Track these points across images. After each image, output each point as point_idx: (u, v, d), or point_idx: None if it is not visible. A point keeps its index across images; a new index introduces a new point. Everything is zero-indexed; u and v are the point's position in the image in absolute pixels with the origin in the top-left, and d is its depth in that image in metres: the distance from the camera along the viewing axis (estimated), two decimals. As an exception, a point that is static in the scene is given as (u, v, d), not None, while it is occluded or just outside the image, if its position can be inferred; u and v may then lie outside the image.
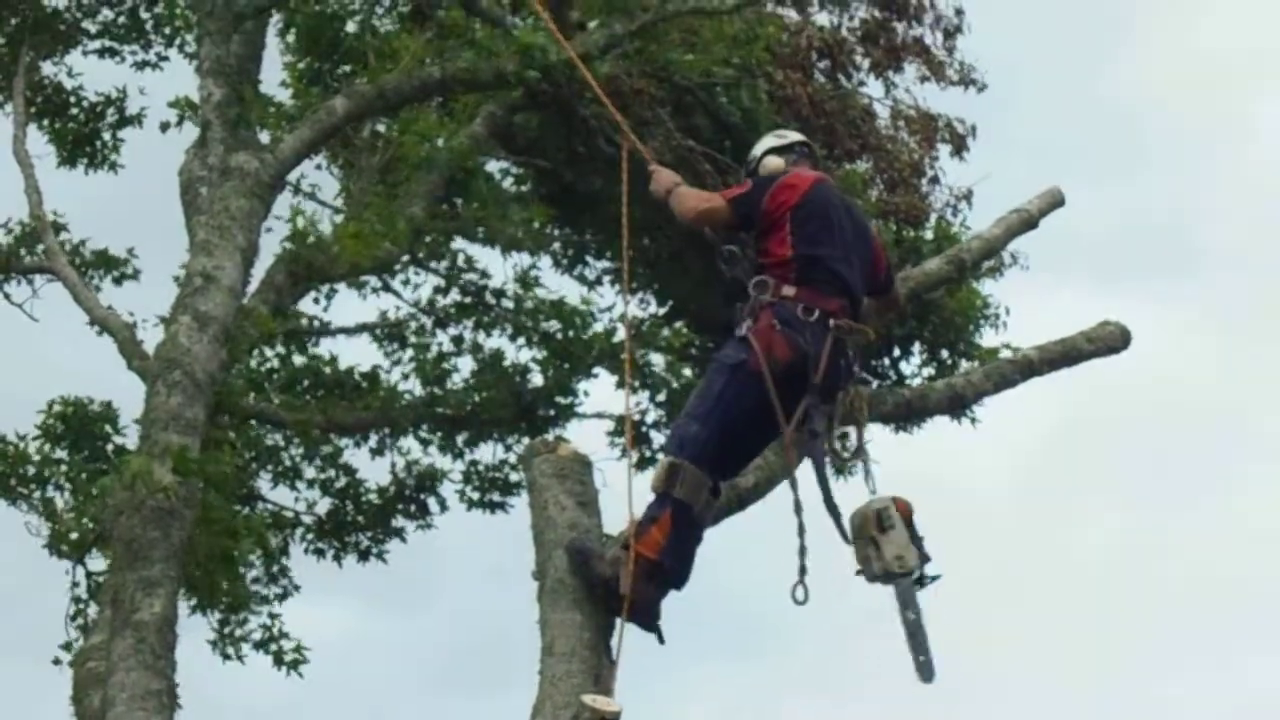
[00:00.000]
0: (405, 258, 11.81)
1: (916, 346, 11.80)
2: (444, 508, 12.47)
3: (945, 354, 11.79)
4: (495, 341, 12.45)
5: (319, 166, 12.37)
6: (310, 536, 12.37)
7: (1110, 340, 10.18)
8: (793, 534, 6.43)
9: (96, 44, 13.28)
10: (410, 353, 12.52)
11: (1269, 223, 30.26)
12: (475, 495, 12.46)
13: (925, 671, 6.05)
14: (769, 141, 7.53)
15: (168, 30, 13.24)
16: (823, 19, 12.69)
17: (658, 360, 12.14)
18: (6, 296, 12.42)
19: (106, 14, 13.25)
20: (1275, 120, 32.53)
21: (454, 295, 12.57)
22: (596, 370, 12.13)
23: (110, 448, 11.62)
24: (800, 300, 6.65)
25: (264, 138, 10.81)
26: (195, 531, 8.33)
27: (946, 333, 11.63)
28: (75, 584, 10.20)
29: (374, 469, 12.51)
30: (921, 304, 11.03)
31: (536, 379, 12.14)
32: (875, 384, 10.94)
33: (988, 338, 11.72)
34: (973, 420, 11.15)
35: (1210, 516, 27.27)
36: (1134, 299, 28.46)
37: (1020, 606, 23.59)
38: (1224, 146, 33.45)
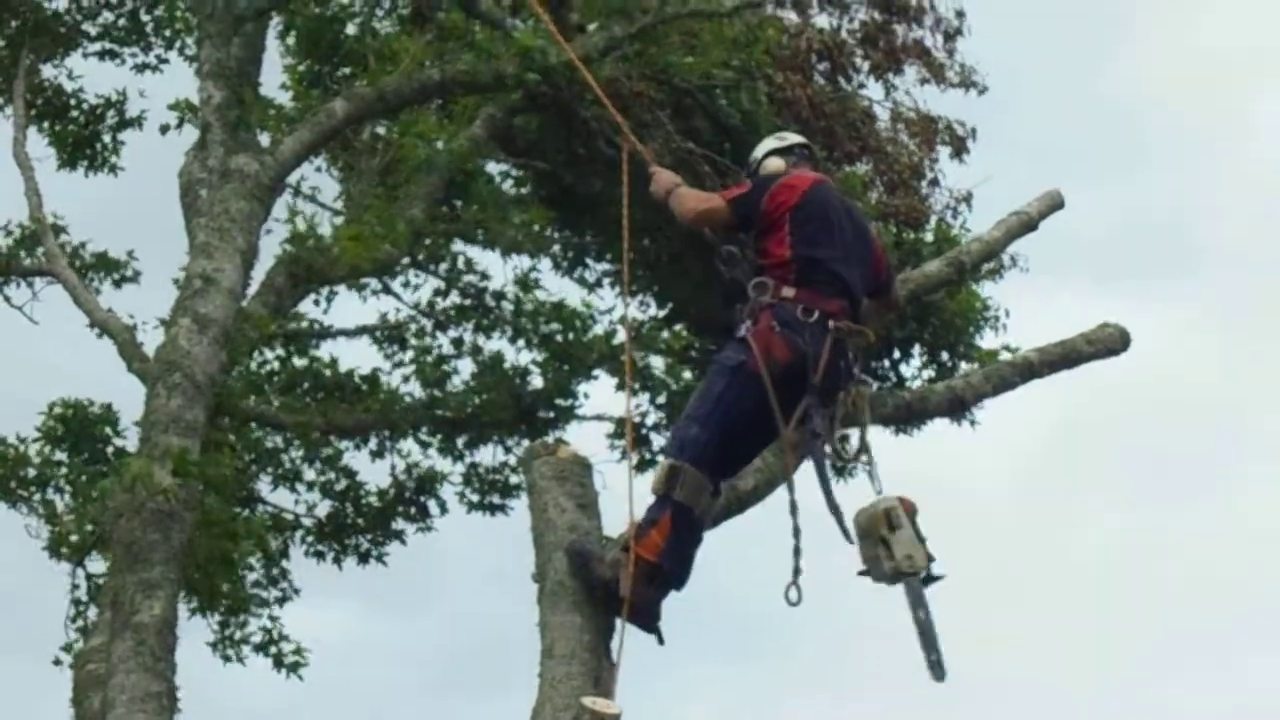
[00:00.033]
0: (405, 260, 11.81)
1: (916, 349, 11.80)
2: (444, 510, 12.48)
3: (945, 356, 11.79)
4: (495, 344, 12.48)
5: (319, 169, 12.40)
6: (310, 539, 12.37)
7: (1110, 342, 10.16)
8: (791, 536, 6.43)
9: (97, 46, 13.32)
10: (410, 355, 12.53)
11: (1269, 221, 30.30)
12: (475, 498, 12.47)
13: (937, 670, 6.04)
14: (769, 143, 7.53)
15: (168, 33, 13.27)
16: (822, 21, 12.68)
17: (657, 362, 12.15)
18: (6, 299, 12.46)
19: (107, 16, 13.29)
20: (1275, 119, 32.59)
21: (454, 297, 12.58)
22: (596, 372, 12.14)
23: (110, 450, 11.64)
24: (800, 301, 6.65)
25: (264, 140, 10.82)
26: (195, 534, 8.34)
27: (946, 335, 11.63)
28: (75, 586, 10.22)
29: (374, 471, 12.54)
30: (921, 306, 11.03)
31: (536, 381, 12.16)
32: (875, 386, 10.93)
33: (987, 340, 11.74)
34: (972, 423, 11.15)
35: (1210, 516, 27.30)
36: (1134, 299, 28.51)
37: (1020, 607, 23.62)
38: (1224, 145, 33.49)
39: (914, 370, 11.89)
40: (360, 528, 12.41)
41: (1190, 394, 27.47)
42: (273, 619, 11.86)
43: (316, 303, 12.11)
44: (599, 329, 12.16)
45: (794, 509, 6.48)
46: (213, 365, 9.00)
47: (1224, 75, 33.31)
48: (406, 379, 12.49)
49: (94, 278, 12.49)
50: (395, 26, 12.68)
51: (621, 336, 11.94)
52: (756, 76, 11.51)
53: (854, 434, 6.72)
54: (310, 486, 12.44)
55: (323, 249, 10.33)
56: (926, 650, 6.07)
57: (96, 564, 10.05)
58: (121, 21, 13.28)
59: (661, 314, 12.54)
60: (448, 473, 12.48)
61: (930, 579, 6.22)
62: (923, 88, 12.59)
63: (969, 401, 10.34)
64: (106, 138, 13.39)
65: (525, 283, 12.29)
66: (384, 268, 11.24)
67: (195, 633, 11.15)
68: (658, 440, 11.88)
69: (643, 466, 11.43)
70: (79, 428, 11.62)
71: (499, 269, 13.92)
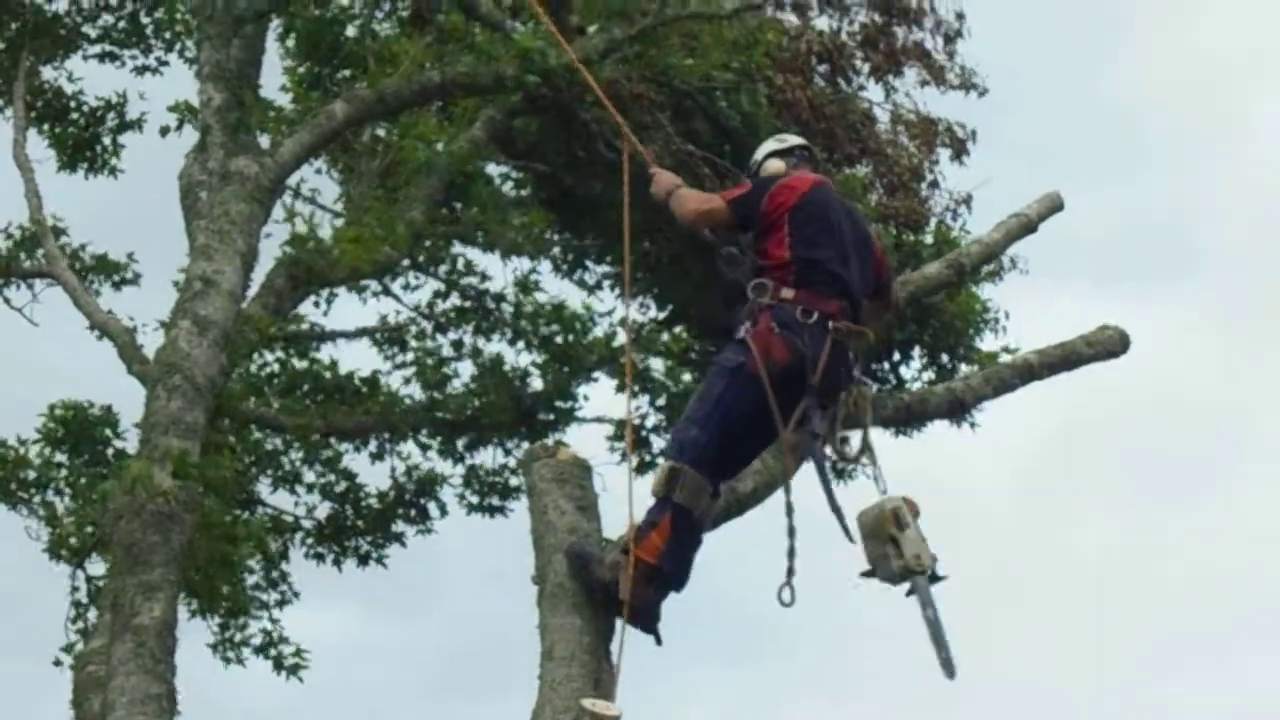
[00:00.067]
0: (405, 262, 11.81)
1: (916, 351, 11.80)
2: (444, 513, 12.47)
3: (945, 358, 11.78)
4: (495, 346, 12.47)
5: (319, 171, 12.39)
6: (310, 541, 12.36)
7: (1109, 344, 10.18)
8: (799, 537, 6.43)
9: (97, 49, 13.33)
10: (411, 357, 12.52)
11: (1269, 223, 30.30)
12: (475, 500, 12.46)
13: (948, 668, 6.05)
14: (770, 145, 7.54)
15: (168, 35, 13.27)
16: (822, 23, 12.67)
17: (657, 365, 12.14)
18: (6, 301, 12.46)
19: (107, 19, 13.29)
20: (1275, 120, 32.57)
21: (454, 299, 12.58)
22: (596, 375, 12.14)
23: (110, 452, 11.64)
24: (799, 302, 6.65)
25: (264, 142, 10.82)
26: (195, 536, 8.34)
27: (946, 337, 11.63)
28: (75, 588, 10.23)
29: (374, 473, 12.53)
30: (921, 308, 11.03)
31: (536, 383, 12.15)
32: (875, 388, 10.93)
33: (987, 342, 11.73)
34: (972, 425, 11.15)
35: (1210, 517, 27.29)
36: (1133, 301, 28.51)
37: (1020, 607, 23.61)
38: (1223, 147, 33.48)
39: (914, 372, 11.90)
40: (360, 530, 12.41)
41: (1190, 395, 27.48)
42: (273, 621, 11.87)
43: (316, 305, 12.13)
44: (599, 331, 12.16)
45: (789, 510, 6.49)
46: (213, 367, 9.00)
47: (1224, 77, 33.34)
48: (407, 381, 12.50)
49: (94, 280, 12.50)
50: (395, 28, 12.67)
51: (621, 338, 11.95)
52: (756, 78, 11.51)
53: (855, 435, 6.73)
54: (310, 489, 12.43)
55: (323, 251, 10.32)
56: (937, 648, 6.07)
57: (97, 566, 10.07)
58: (121, 24, 13.28)
59: (661, 316, 12.54)
60: (448, 475, 12.49)
61: (935, 578, 6.23)
62: (923, 90, 12.60)
63: (969, 403, 10.36)
64: (106, 140, 13.40)
65: (525, 285, 12.28)
66: (384, 270, 11.24)
67: (195, 635, 11.17)
68: (658, 442, 11.88)
69: (643, 469, 11.43)
70: (79, 430, 11.62)
71: (499, 271, 13.92)
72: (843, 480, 10.81)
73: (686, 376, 11.93)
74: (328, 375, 12.32)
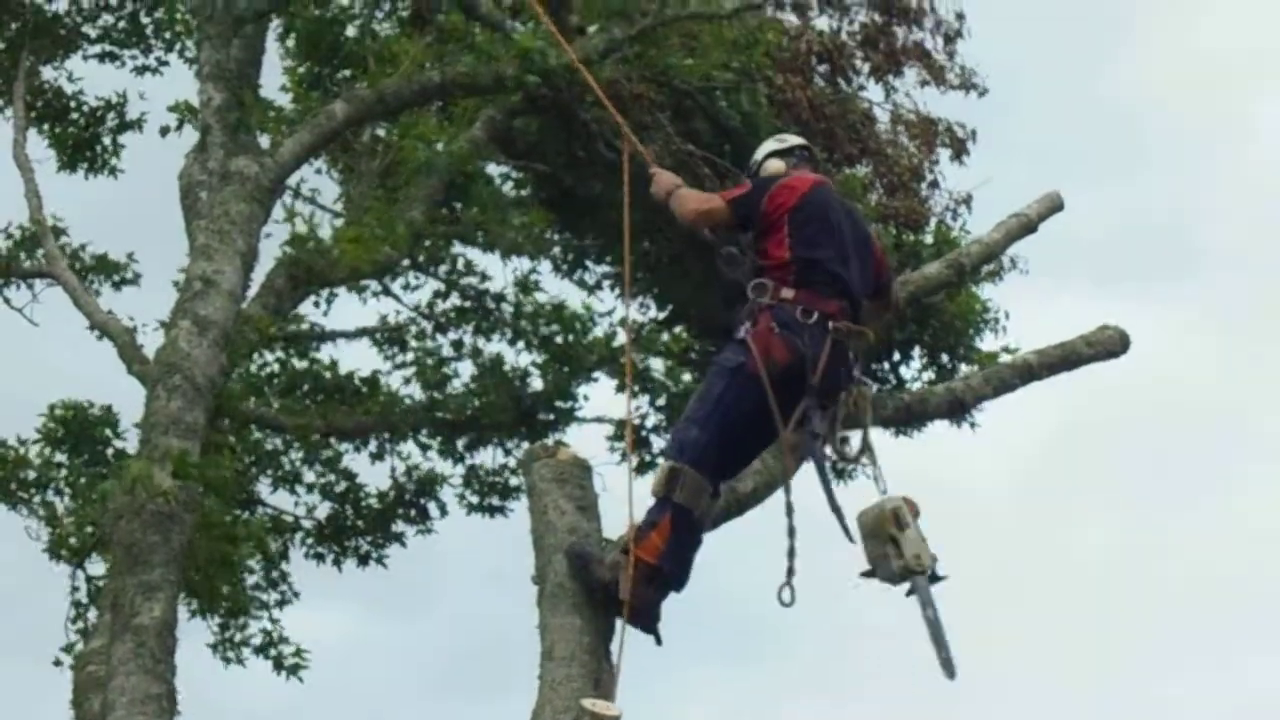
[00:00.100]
0: (405, 262, 11.80)
1: (916, 351, 11.79)
2: (444, 513, 12.46)
3: (945, 358, 11.78)
4: (495, 346, 12.46)
5: (319, 171, 12.39)
6: (310, 541, 12.35)
7: (1109, 344, 10.17)
8: (798, 538, 6.43)
9: (97, 49, 13.32)
10: (411, 356, 12.52)
11: (1268, 224, 30.30)
12: (475, 499, 12.45)
13: (948, 668, 6.05)
14: (770, 145, 7.54)
15: (168, 35, 13.27)
16: (822, 23, 12.66)
17: (657, 365, 12.14)
18: (6, 301, 12.45)
19: (107, 19, 13.28)
20: (1275, 120, 32.57)
21: (454, 299, 12.57)
22: (596, 374, 12.13)
23: (110, 452, 11.63)
24: (799, 302, 6.65)
25: (264, 142, 10.81)
26: (195, 536, 8.33)
27: (946, 337, 11.63)
28: (75, 588, 10.22)
29: (374, 474, 12.52)
30: (921, 308, 11.03)
31: (536, 383, 12.14)
32: (875, 388, 10.93)
33: (987, 342, 11.72)
34: (972, 425, 11.14)
35: (1210, 517, 27.29)
36: (1133, 301, 28.51)
37: (1020, 607, 23.61)
38: (1223, 147, 33.47)
39: (914, 372, 11.89)
40: (360, 530, 12.40)
41: (1190, 395, 27.48)
42: (273, 621, 11.87)
43: (316, 305, 12.12)
44: (599, 331, 12.16)
45: (789, 509, 6.49)
46: (213, 367, 8.99)
47: (1224, 77, 33.34)
48: (407, 381, 12.49)
49: (94, 280, 12.49)
50: (395, 28, 12.66)
51: (621, 338, 11.94)
52: (756, 78, 11.50)
53: (856, 435, 6.72)
54: (310, 489, 12.42)
55: (323, 251, 10.32)
56: (937, 648, 6.07)
57: (96, 566, 10.06)
58: (121, 24, 13.28)
59: (661, 316, 12.53)
60: (448, 475, 12.48)
61: (935, 578, 6.23)
62: (923, 90, 12.59)
63: (969, 403, 10.35)
64: (106, 140, 13.39)
65: (525, 285, 12.27)
66: (384, 270, 11.24)
67: (195, 635, 11.17)
68: (658, 442, 11.87)
69: (643, 469, 11.43)
70: (79, 430, 11.62)
71: (499, 271, 13.91)
72: (843, 480, 10.85)
73: (686, 377, 11.92)
74: (328, 375, 12.31)
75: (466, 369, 12.46)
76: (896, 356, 11.76)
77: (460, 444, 12.35)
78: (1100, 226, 29.46)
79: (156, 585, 7.81)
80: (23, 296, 12.41)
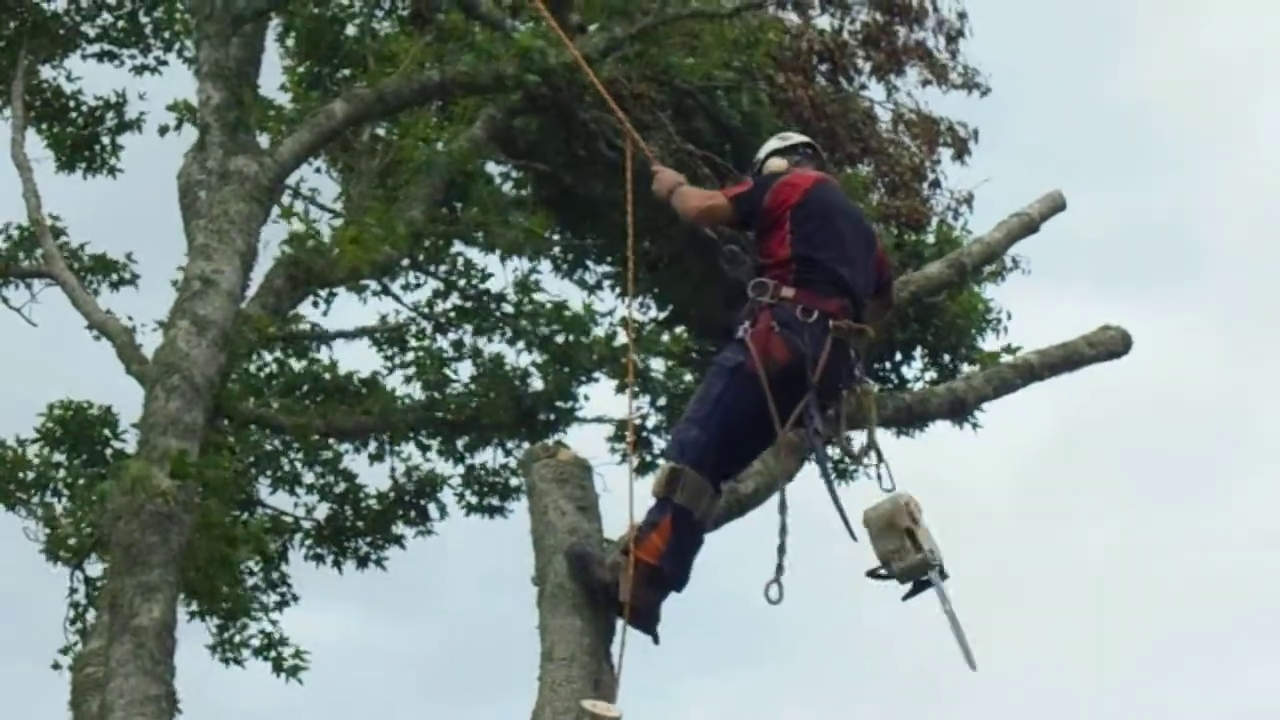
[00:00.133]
0: (405, 262, 11.76)
1: (918, 351, 11.76)
2: (443, 514, 12.43)
3: (947, 358, 11.74)
4: (495, 346, 12.42)
5: (318, 170, 12.37)
6: (309, 542, 12.32)
7: (1111, 345, 10.17)
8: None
9: (95, 48, 13.30)
10: (411, 356, 12.48)
11: (1270, 224, 30.30)
12: (474, 500, 12.42)
13: (971, 659, 6.07)
14: (772, 144, 7.53)
15: (167, 34, 13.25)
16: (824, 22, 12.64)
17: (658, 365, 12.10)
18: (5, 301, 12.44)
19: (105, 18, 13.26)
20: (1276, 121, 32.58)
21: (453, 299, 12.53)
22: (597, 375, 12.09)
23: (109, 452, 11.61)
24: (799, 301, 6.63)
25: (263, 141, 10.78)
26: (194, 536, 8.31)
27: (948, 337, 11.59)
28: (74, 589, 10.20)
29: (373, 475, 12.49)
30: (923, 308, 11.00)
31: (537, 383, 12.10)
32: (876, 388, 10.90)
33: (989, 342, 11.68)
34: (974, 425, 11.11)
35: (1211, 517, 27.30)
36: (1135, 302, 28.50)
37: (1021, 608, 23.59)
38: (1225, 148, 33.49)
39: (916, 372, 11.85)
40: (360, 531, 12.37)
41: (1191, 396, 27.50)
42: (272, 622, 11.84)
43: (316, 305, 12.08)
44: (599, 331, 12.12)
45: (783, 507, 6.48)
46: (211, 367, 8.97)
47: (1225, 78, 33.36)
48: (407, 381, 12.45)
49: (92, 279, 12.47)
50: (395, 27, 12.65)
51: (622, 338, 11.90)
52: (758, 77, 11.47)
53: (860, 434, 6.71)
54: (309, 489, 12.39)
55: (322, 251, 10.28)
56: (960, 640, 6.08)
57: (95, 567, 10.03)
58: (120, 23, 13.26)
59: (662, 316, 12.50)
60: (448, 476, 12.44)
61: (943, 575, 6.24)
62: (924, 89, 12.56)
63: (970, 404, 10.33)
64: (105, 139, 13.37)
65: (525, 285, 12.23)
66: (383, 269, 11.20)
67: (195, 636, 11.15)
68: (658, 443, 11.84)
69: (643, 469, 11.39)
70: (78, 430, 11.60)
71: (499, 270, 13.86)
72: (844, 480, 10.84)
73: (687, 377, 11.88)
74: (327, 375, 12.27)
75: (466, 369, 12.42)
76: (898, 356, 11.73)
77: (460, 444, 12.31)
78: (1102, 227, 29.48)
79: (155, 586, 7.79)
80: (21, 296, 12.41)
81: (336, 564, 12.33)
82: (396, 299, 12.55)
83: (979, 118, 12.55)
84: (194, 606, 10.52)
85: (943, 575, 6.22)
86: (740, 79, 11.38)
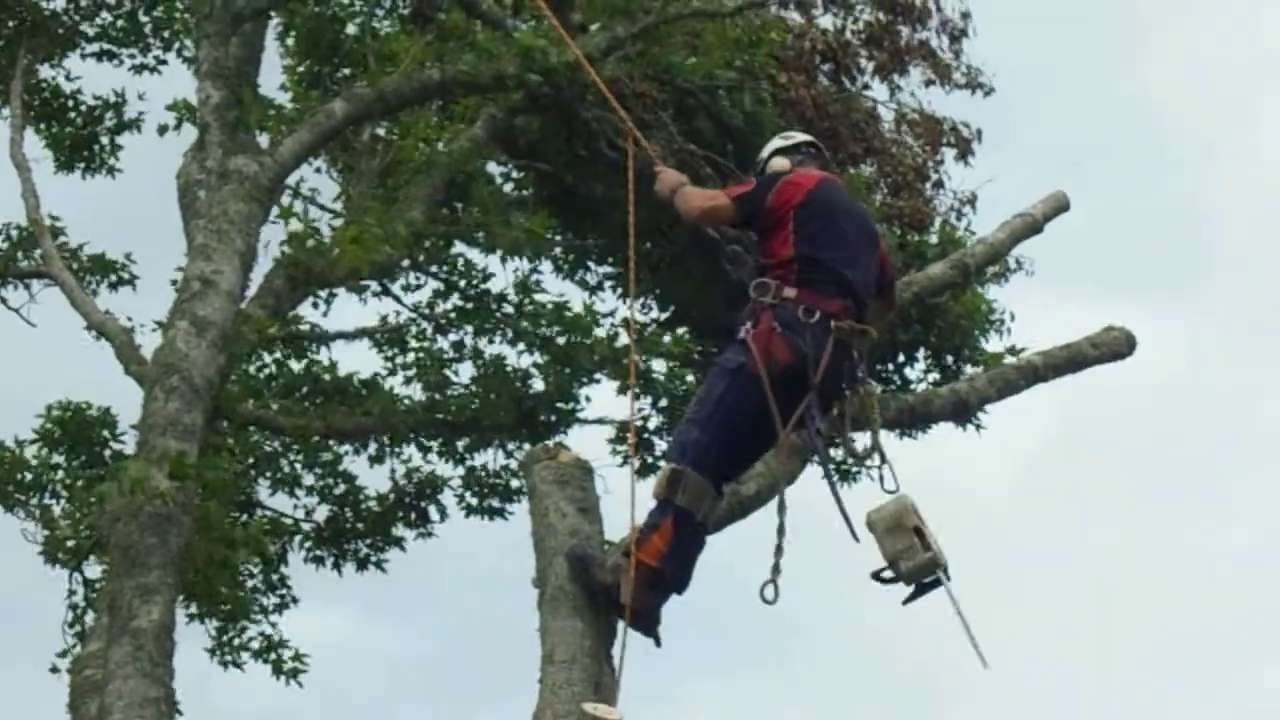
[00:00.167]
0: (405, 262, 11.72)
1: (921, 352, 11.72)
2: (444, 516, 12.39)
3: (950, 359, 11.70)
4: (496, 347, 12.38)
5: (318, 170, 12.33)
6: (309, 544, 12.29)
7: (1115, 345, 10.12)
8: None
9: (95, 47, 13.26)
10: (411, 357, 12.44)
11: (1273, 225, 30.31)
12: (474, 501, 12.38)
13: (983, 657, 6.07)
14: (776, 143, 7.52)
15: (166, 34, 13.22)
16: (826, 22, 12.61)
17: (659, 366, 12.06)
18: (4, 301, 12.40)
19: (105, 17, 13.22)
20: (1279, 122, 32.59)
21: (454, 300, 12.49)
22: (598, 376, 12.05)
23: (108, 453, 11.57)
24: (801, 302, 6.61)
25: (263, 141, 10.75)
26: (193, 538, 8.28)
27: (951, 338, 11.55)
28: (72, 591, 10.16)
29: (373, 476, 12.46)
30: (926, 309, 10.96)
31: (538, 385, 12.06)
32: (879, 389, 10.87)
33: (992, 343, 11.64)
34: (977, 427, 11.07)
35: (1213, 518, 27.29)
36: (1138, 303, 28.49)
37: (1023, 608, 23.57)
38: (1228, 149, 33.51)
39: (919, 374, 11.81)
40: (359, 533, 12.33)
41: (1194, 397, 27.50)
42: (272, 624, 11.82)
43: (316, 305, 12.04)
44: (600, 332, 12.08)
45: (781, 507, 6.47)
46: (211, 368, 8.93)
47: (1233, 79, 33.38)
48: (408, 382, 12.41)
49: (91, 280, 12.43)
50: (395, 26, 12.62)
51: (623, 339, 11.86)
52: (760, 77, 11.45)
53: (863, 435, 6.69)
54: (309, 491, 12.36)
55: (322, 251, 10.25)
56: (971, 639, 6.08)
57: (94, 569, 10.00)
58: (120, 22, 13.23)
59: (663, 317, 12.46)
60: (448, 478, 12.41)
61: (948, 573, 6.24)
62: (928, 89, 12.53)
63: (973, 405, 10.29)
64: (104, 139, 13.34)
65: (526, 285, 12.20)
66: (384, 270, 11.16)
67: (194, 637, 11.13)
68: (660, 444, 11.80)
69: (645, 471, 11.36)
70: (76, 430, 11.57)
71: (500, 270, 13.83)
72: (847, 482, 10.81)
73: (689, 378, 11.85)
74: (327, 377, 12.24)
75: (467, 370, 12.39)
76: (901, 358, 11.69)
77: (461, 446, 12.27)
78: (1106, 228, 29.44)
79: (154, 588, 7.76)
80: (20, 297, 12.37)
81: (336, 566, 12.30)
82: (397, 300, 12.52)
83: (982, 118, 12.54)
84: (193, 608, 10.51)
85: (946, 576, 6.21)
86: (742, 78, 11.35)
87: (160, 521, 7.94)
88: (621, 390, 11.78)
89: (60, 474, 11.46)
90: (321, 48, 12.34)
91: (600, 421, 12.06)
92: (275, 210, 10.32)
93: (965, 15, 12.63)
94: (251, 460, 11.91)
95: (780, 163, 7.26)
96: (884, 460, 6.63)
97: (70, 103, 13.28)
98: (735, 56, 11.33)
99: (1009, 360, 10.76)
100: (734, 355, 6.62)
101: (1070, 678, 22.56)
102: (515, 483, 12.18)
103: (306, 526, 12.31)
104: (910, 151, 12.18)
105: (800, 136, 7.58)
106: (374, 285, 12.20)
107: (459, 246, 12.24)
